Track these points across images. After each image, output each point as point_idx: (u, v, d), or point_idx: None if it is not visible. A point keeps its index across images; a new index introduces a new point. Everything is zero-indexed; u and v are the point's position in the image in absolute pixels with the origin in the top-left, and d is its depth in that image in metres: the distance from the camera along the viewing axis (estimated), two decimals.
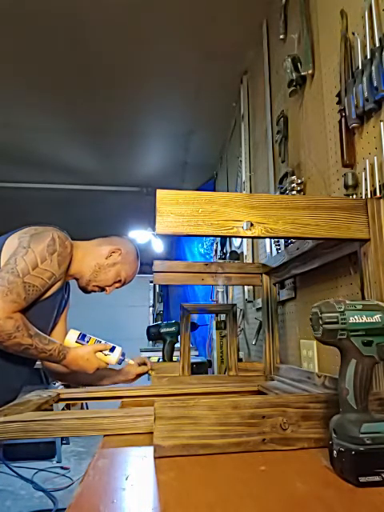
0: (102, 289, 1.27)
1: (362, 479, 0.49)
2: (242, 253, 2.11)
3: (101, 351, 1.13)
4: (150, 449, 0.61)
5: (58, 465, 3.32)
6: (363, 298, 0.76)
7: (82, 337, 1.15)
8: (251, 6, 1.76)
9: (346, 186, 0.93)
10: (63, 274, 1.14)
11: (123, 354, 1.18)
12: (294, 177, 1.28)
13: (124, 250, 1.29)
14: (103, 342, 1.16)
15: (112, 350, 1.15)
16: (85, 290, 1.27)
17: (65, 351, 1.07)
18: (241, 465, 0.58)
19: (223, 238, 2.58)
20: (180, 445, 0.61)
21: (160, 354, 1.87)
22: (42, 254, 1.05)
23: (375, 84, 0.82)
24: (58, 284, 1.14)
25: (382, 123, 0.82)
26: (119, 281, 1.29)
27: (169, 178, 3.59)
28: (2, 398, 1.00)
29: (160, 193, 0.69)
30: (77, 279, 1.25)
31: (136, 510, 0.47)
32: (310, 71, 1.20)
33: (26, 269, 1.01)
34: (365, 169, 0.88)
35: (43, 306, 1.12)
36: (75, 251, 1.18)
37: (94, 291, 1.28)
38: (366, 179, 0.87)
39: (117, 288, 1.31)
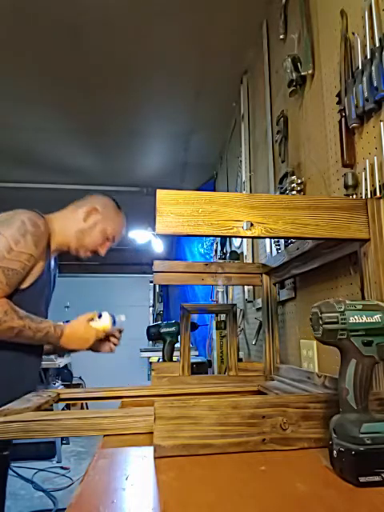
0: (95, 252, 1.26)
1: (362, 479, 0.49)
2: (242, 253, 2.11)
3: (91, 320, 1.15)
4: (150, 449, 0.61)
5: (58, 465, 3.32)
6: (363, 298, 0.76)
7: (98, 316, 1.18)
8: (251, 6, 1.76)
9: (346, 186, 0.93)
10: (43, 253, 1.11)
11: (112, 316, 1.18)
12: (293, 177, 1.28)
13: (101, 207, 1.25)
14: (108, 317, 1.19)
15: (99, 317, 1.16)
16: (79, 258, 1.26)
17: (61, 327, 1.07)
18: (241, 465, 0.58)
19: (223, 238, 2.57)
20: (180, 445, 0.61)
21: (160, 353, 1.87)
22: (15, 237, 1.03)
23: (375, 84, 0.82)
24: (41, 265, 1.11)
25: (382, 123, 0.82)
26: (108, 239, 1.26)
27: (169, 178, 3.59)
28: (24, 389, 1.03)
29: (160, 193, 0.69)
30: (66, 251, 1.23)
31: (136, 509, 0.46)
32: (310, 71, 1.20)
33: (1, 254, 1.00)
34: (365, 169, 0.88)
35: (32, 293, 1.10)
36: (52, 226, 1.16)
37: (88, 256, 1.26)
38: (366, 179, 0.87)
39: (110, 246, 1.29)
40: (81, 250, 1.23)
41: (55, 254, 1.25)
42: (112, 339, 1.27)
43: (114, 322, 1.18)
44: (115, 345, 1.28)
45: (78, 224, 1.22)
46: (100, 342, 1.25)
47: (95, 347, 1.25)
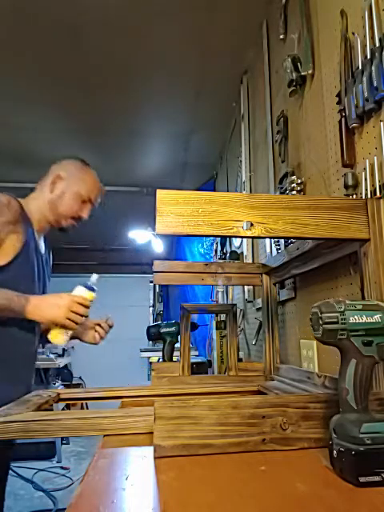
0: (76, 218, 1.21)
1: (362, 479, 0.49)
2: (242, 253, 2.11)
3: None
4: (150, 449, 0.61)
5: (58, 465, 3.32)
6: (363, 298, 0.76)
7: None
8: (251, 6, 1.76)
9: (346, 186, 0.93)
10: (12, 225, 1.07)
11: (85, 285, 1.09)
12: (293, 177, 1.28)
13: (64, 173, 1.21)
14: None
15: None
16: (63, 230, 1.23)
17: (26, 296, 1.00)
18: (241, 465, 0.58)
19: (223, 238, 2.57)
20: (180, 445, 0.61)
21: (160, 353, 1.87)
22: None
23: (375, 84, 0.82)
24: (15, 238, 1.08)
25: (382, 123, 0.82)
26: (85, 201, 1.22)
27: (169, 177, 3.59)
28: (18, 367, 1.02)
29: (160, 193, 0.69)
30: (51, 228, 1.22)
31: (136, 510, 0.46)
32: (310, 71, 1.20)
33: None
34: (365, 169, 0.88)
35: (13, 271, 1.07)
36: (28, 207, 1.15)
37: (73, 225, 1.23)
38: (366, 179, 0.87)
39: (92, 208, 1.25)
40: (61, 221, 1.20)
41: (42, 235, 1.23)
42: (98, 329, 1.23)
43: (89, 288, 1.08)
44: (101, 336, 1.24)
45: (47, 197, 1.19)
46: (85, 330, 1.23)
47: (80, 334, 1.22)
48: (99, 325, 1.24)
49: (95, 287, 1.10)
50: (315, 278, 1.15)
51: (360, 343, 0.55)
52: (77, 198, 1.20)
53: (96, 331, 1.24)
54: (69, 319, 1.03)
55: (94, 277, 1.13)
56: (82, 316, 1.05)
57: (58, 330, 1.08)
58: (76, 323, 1.05)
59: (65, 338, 1.09)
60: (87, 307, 1.07)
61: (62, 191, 1.20)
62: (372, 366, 0.55)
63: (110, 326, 1.27)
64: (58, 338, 1.08)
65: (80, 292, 1.08)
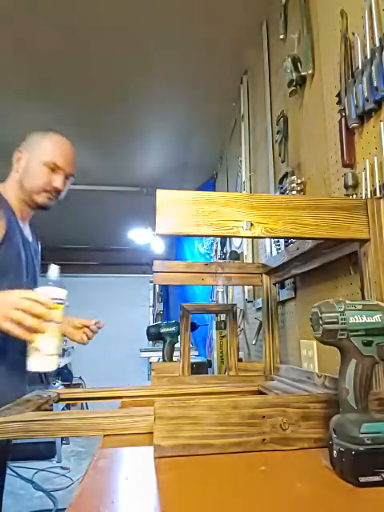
0: (49, 190, 1.13)
1: (362, 479, 0.49)
2: (242, 253, 2.11)
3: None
4: (150, 449, 0.61)
5: (58, 465, 3.32)
6: (363, 298, 0.75)
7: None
8: (251, 6, 1.76)
9: (346, 186, 0.93)
10: None
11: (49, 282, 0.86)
12: (294, 177, 1.28)
13: (23, 148, 1.16)
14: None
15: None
16: (42, 207, 1.16)
17: None
18: (241, 465, 0.58)
19: (223, 238, 2.57)
20: (180, 445, 0.61)
21: (160, 353, 1.87)
22: None
23: (375, 84, 0.82)
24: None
25: (382, 123, 0.82)
26: (52, 168, 1.13)
27: (169, 177, 3.59)
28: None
29: (160, 193, 0.69)
30: (31, 209, 1.17)
31: (136, 510, 0.46)
32: (310, 71, 1.20)
33: None
34: (365, 169, 0.88)
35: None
36: (7, 194, 1.12)
37: (49, 198, 1.15)
38: (366, 179, 0.87)
39: (67, 177, 1.17)
40: (34, 197, 1.13)
41: (27, 222, 1.20)
42: (86, 330, 1.20)
43: (51, 282, 0.86)
44: (88, 337, 1.21)
45: (15, 176, 1.14)
46: (74, 330, 1.21)
47: (69, 334, 1.20)
48: (88, 326, 1.21)
49: (56, 280, 0.87)
50: (315, 278, 1.15)
51: (360, 343, 0.55)
52: (40, 167, 1.12)
53: (84, 333, 1.21)
54: (13, 321, 0.77)
55: (54, 269, 0.87)
56: (39, 318, 0.79)
57: (31, 351, 0.83)
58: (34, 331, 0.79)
59: (40, 360, 0.83)
60: (48, 307, 0.80)
61: (25, 166, 1.13)
62: (372, 366, 0.55)
63: (99, 328, 1.24)
64: (30, 359, 0.83)
65: (42, 291, 0.84)
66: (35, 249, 1.24)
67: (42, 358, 0.83)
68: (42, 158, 1.12)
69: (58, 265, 0.89)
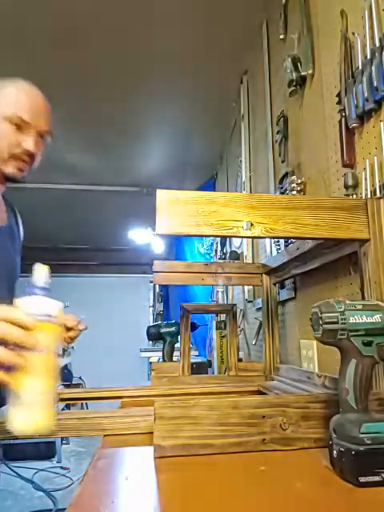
0: (21, 156, 0.91)
1: (362, 479, 0.49)
2: (242, 253, 2.11)
3: None
4: (150, 449, 0.61)
5: (58, 465, 3.32)
6: (363, 298, 0.75)
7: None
8: (251, 6, 1.76)
9: (346, 186, 0.93)
10: None
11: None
12: (294, 177, 1.28)
13: None
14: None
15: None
16: (11, 178, 0.96)
17: None
18: (241, 465, 0.58)
19: (223, 238, 2.57)
20: (180, 445, 0.61)
21: (160, 353, 1.87)
22: None
23: (375, 84, 0.82)
24: None
25: (382, 123, 0.82)
26: (20, 125, 0.89)
27: (169, 177, 3.59)
28: None
29: (160, 193, 0.69)
30: (3, 182, 0.98)
31: (136, 510, 0.46)
32: (310, 71, 1.20)
33: None
34: (365, 169, 0.88)
35: None
36: None
37: (21, 167, 0.94)
38: (366, 179, 0.87)
39: (41, 135, 0.96)
40: (1, 166, 0.91)
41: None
42: (70, 333, 0.94)
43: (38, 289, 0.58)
44: (71, 338, 0.95)
45: None
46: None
47: None
48: (72, 329, 0.97)
49: (46, 286, 0.59)
50: (315, 278, 1.15)
51: (360, 343, 0.55)
52: (2, 123, 0.87)
53: (68, 335, 0.97)
54: None
55: (41, 271, 0.59)
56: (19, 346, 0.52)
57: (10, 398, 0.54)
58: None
59: (22, 416, 0.54)
60: (31, 329, 0.53)
61: None
62: (372, 366, 0.55)
63: (81, 330, 0.99)
64: (15, 420, 0.54)
65: (24, 303, 0.56)
66: (12, 233, 0.98)
67: (24, 413, 0.54)
68: (4, 111, 0.88)
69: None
